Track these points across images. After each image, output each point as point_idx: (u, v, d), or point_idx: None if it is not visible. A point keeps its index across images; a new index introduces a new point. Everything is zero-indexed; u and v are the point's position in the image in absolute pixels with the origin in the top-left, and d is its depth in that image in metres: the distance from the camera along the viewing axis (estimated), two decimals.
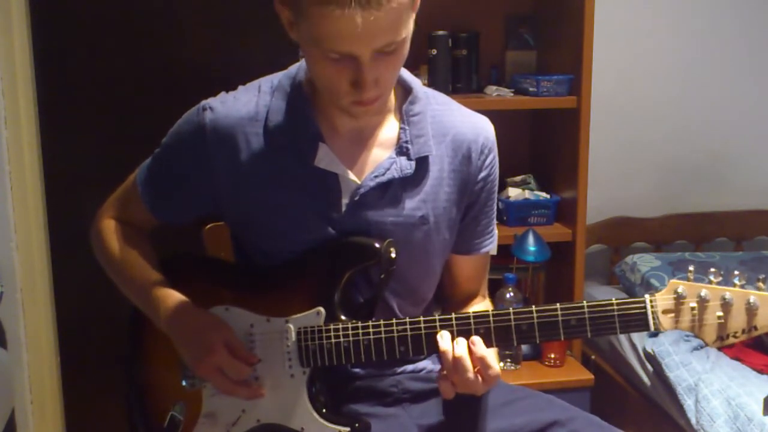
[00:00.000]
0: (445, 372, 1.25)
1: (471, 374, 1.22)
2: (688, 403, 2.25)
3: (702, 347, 2.42)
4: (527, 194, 2.68)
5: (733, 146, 3.11)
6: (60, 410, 2.57)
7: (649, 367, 2.51)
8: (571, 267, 2.59)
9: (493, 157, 1.44)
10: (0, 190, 2.25)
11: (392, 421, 1.39)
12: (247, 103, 1.36)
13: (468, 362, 1.22)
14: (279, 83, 1.38)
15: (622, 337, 2.69)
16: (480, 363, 1.22)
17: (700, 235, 3.07)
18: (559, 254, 2.60)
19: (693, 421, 2.21)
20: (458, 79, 2.65)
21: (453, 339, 1.24)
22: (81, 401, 2.69)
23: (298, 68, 1.38)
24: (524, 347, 2.54)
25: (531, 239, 2.49)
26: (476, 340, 1.23)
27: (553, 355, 2.55)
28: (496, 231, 1.51)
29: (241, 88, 1.41)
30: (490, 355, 1.23)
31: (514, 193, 2.66)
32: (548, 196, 2.68)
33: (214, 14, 2.78)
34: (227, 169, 1.35)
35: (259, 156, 1.34)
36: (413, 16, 1.23)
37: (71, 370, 2.64)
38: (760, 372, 2.26)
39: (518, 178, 2.77)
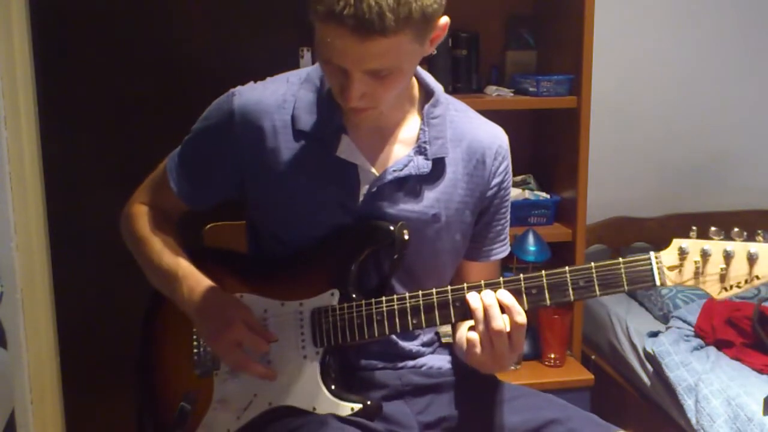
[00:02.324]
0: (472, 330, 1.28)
1: (500, 321, 1.24)
2: (688, 403, 2.25)
3: (702, 347, 2.42)
4: (527, 194, 2.68)
5: (733, 146, 3.12)
6: (60, 410, 2.57)
7: (649, 367, 2.51)
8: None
9: (507, 165, 1.49)
10: (0, 190, 2.25)
11: (394, 412, 1.40)
12: (275, 92, 1.40)
13: (497, 309, 1.25)
14: (308, 76, 1.42)
15: (622, 337, 2.70)
16: (509, 311, 1.25)
17: (700, 235, 3.06)
18: (559, 254, 2.60)
19: (693, 421, 2.21)
20: (458, 79, 2.65)
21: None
22: (81, 401, 2.69)
23: None
24: (524, 347, 2.54)
25: (531, 239, 2.50)
26: (502, 291, 1.27)
27: (553, 355, 2.55)
28: (508, 239, 1.54)
29: (269, 78, 1.46)
30: (516, 303, 1.26)
31: (514, 193, 2.66)
32: (548, 196, 2.68)
33: (216, 14, 2.78)
34: (252, 153, 1.39)
35: (284, 142, 1.38)
36: (421, 51, 1.25)
37: (71, 370, 2.64)
38: (760, 372, 2.26)
39: (518, 178, 2.77)
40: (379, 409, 1.35)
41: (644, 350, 2.53)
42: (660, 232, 3.05)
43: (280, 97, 1.40)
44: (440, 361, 1.50)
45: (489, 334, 1.25)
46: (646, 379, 2.55)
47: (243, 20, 2.77)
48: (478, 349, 1.27)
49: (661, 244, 3.32)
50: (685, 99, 3.05)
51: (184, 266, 1.41)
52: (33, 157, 2.40)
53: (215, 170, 1.44)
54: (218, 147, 1.41)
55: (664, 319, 2.66)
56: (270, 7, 2.71)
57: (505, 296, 1.26)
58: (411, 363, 1.46)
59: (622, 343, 2.70)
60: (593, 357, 2.82)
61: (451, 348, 1.54)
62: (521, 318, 1.25)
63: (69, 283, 2.63)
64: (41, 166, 2.47)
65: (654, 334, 2.53)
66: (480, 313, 1.26)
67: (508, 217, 1.52)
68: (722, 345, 2.41)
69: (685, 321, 2.54)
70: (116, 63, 2.74)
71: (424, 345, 1.49)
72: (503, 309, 1.25)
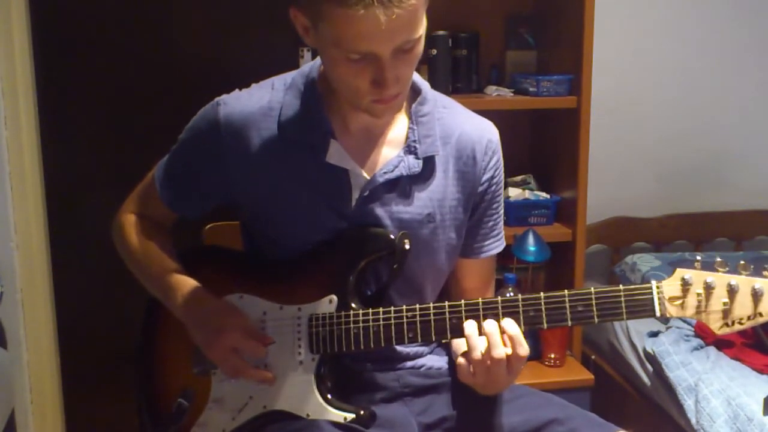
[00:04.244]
0: (466, 355, 1.26)
1: (501, 350, 1.23)
2: (688, 403, 2.25)
3: (702, 347, 2.42)
4: (527, 194, 2.68)
5: (733, 146, 3.11)
6: (60, 410, 2.57)
7: (649, 367, 2.51)
8: (571, 267, 2.59)
9: (498, 160, 1.47)
10: (0, 190, 2.25)
11: (393, 415, 1.39)
12: (260, 99, 1.39)
13: (498, 337, 1.23)
14: (293, 81, 1.41)
15: (622, 337, 2.69)
16: (512, 341, 1.24)
17: (700, 235, 3.07)
18: (559, 254, 2.60)
19: (693, 421, 2.21)
20: (458, 79, 2.65)
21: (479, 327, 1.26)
22: (81, 401, 2.69)
23: (311, 67, 1.41)
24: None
25: (531, 239, 2.49)
26: (508, 320, 1.25)
27: (553, 355, 2.55)
28: (503, 234, 1.53)
29: (254, 85, 1.44)
30: (520, 334, 1.24)
31: (514, 193, 2.66)
32: (548, 196, 2.68)
33: (215, 15, 2.78)
34: (240, 163, 1.38)
35: (272, 150, 1.37)
36: (424, 22, 1.25)
37: (71, 370, 2.64)
38: (760, 372, 2.26)
39: (518, 178, 2.77)
40: (373, 419, 1.34)
41: (644, 350, 2.53)
42: (660, 232, 3.04)
43: (265, 104, 1.39)
44: (439, 361, 1.50)
45: (487, 361, 1.24)
46: (646, 379, 2.55)
47: (242, 20, 2.77)
48: (472, 375, 1.26)
49: (661, 244, 3.33)
50: (684, 99, 3.05)
51: (176, 275, 1.41)
52: (33, 157, 2.40)
53: (203, 180, 1.43)
54: (205, 158, 1.40)
55: (664, 319, 2.65)
56: (270, 7, 2.71)
57: (511, 326, 1.25)
58: (410, 364, 1.46)
59: (622, 343, 2.70)
60: (593, 357, 2.82)
61: (449, 347, 1.53)
62: (523, 350, 1.24)
63: (69, 283, 2.63)
64: (41, 166, 2.47)
65: (654, 334, 2.53)
66: (474, 341, 1.24)
67: (501, 212, 1.51)
68: (722, 345, 2.41)
69: (685, 321, 2.53)
70: (116, 63, 2.74)
71: (422, 345, 1.48)
72: (507, 337, 1.24)
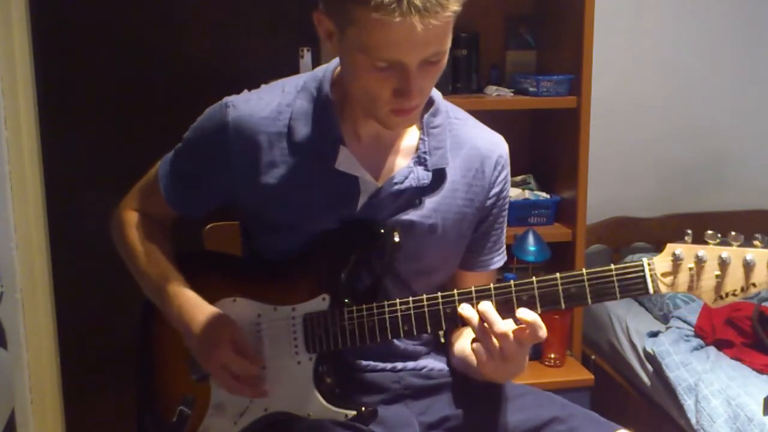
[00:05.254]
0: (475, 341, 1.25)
1: (501, 324, 1.20)
2: (688, 403, 2.25)
3: (702, 347, 2.42)
4: (527, 194, 2.68)
5: (733, 146, 3.12)
6: (60, 410, 2.57)
7: (649, 367, 2.51)
8: (571, 267, 2.59)
9: (506, 175, 1.46)
10: (0, 190, 2.25)
11: (394, 416, 1.39)
12: (269, 103, 1.37)
13: (494, 313, 1.21)
14: (304, 85, 1.39)
15: (622, 337, 2.70)
16: (530, 327, 1.21)
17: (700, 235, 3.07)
18: (559, 254, 2.60)
19: (693, 421, 2.21)
20: (458, 79, 2.65)
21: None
22: (81, 401, 2.70)
23: (324, 71, 1.39)
24: None
25: (531, 239, 2.49)
26: (523, 309, 1.22)
27: (553, 355, 2.55)
28: (504, 248, 1.52)
29: (264, 87, 1.42)
30: (538, 318, 1.22)
31: (514, 193, 2.66)
32: (548, 196, 2.68)
33: (215, 15, 2.78)
34: (247, 167, 1.36)
35: (280, 155, 1.36)
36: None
37: (71, 370, 2.64)
38: (760, 372, 2.26)
39: (518, 178, 2.77)
40: (375, 415, 1.33)
41: (644, 350, 2.53)
42: (660, 232, 3.04)
43: (275, 108, 1.37)
44: (441, 362, 1.50)
45: (493, 339, 1.22)
46: (646, 379, 2.55)
47: (243, 21, 2.77)
48: (487, 358, 1.24)
49: (661, 244, 3.31)
50: (684, 99, 3.05)
51: (174, 282, 1.40)
52: (33, 157, 2.40)
53: (207, 181, 1.42)
54: (211, 159, 1.39)
55: (664, 319, 2.66)
56: (270, 7, 2.71)
57: (527, 314, 1.21)
58: (411, 365, 1.45)
59: (622, 343, 2.70)
60: (593, 357, 2.82)
61: (448, 349, 1.52)
62: (543, 332, 1.21)
63: (69, 283, 2.63)
64: (41, 166, 2.47)
65: (654, 334, 2.53)
66: (476, 322, 1.23)
67: (505, 226, 1.50)
68: (722, 345, 2.41)
69: (685, 321, 2.54)
70: (116, 63, 2.74)
71: (422, 344, 1.48)
72: (526, 326, 1.21)
